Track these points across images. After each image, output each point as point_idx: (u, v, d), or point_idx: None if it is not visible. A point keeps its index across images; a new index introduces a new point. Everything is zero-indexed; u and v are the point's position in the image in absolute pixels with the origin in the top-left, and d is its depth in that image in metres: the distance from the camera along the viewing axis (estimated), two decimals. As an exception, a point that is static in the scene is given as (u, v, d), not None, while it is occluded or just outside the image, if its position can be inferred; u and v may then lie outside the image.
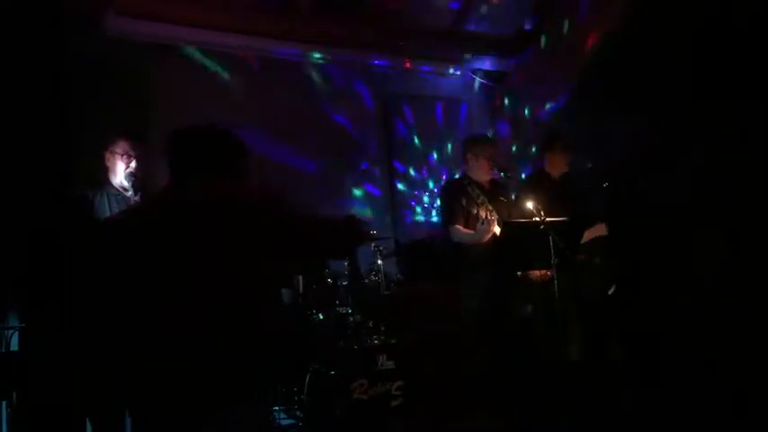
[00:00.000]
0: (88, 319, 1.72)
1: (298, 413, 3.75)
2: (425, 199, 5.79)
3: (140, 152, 3.23)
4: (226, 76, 4.84)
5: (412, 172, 5.77)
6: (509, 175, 4.10)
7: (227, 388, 1.61)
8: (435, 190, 5.72)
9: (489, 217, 3.67)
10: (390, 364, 3.71)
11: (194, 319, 1.59)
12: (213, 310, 1.61)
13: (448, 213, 3.99)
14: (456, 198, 3.84)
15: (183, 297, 1.61)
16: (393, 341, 3.87)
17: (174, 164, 1.84)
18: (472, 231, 3.80)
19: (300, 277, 4.13)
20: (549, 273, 3.71)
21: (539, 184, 4.19)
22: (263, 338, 1.71)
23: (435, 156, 5.89)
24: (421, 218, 5.76)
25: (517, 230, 3.70)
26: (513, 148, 5.94)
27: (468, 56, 5.76)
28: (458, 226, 3.88)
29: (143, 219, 1.81)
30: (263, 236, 1.74)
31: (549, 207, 3.62)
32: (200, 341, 1.59)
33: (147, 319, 1.60)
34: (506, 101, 6.10)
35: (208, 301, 1.61)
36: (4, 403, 3.07)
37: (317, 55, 5.22)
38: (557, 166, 4.29)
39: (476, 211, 3.67)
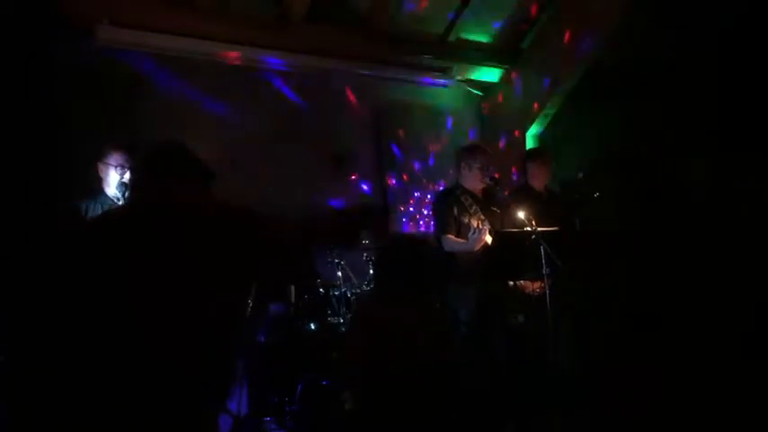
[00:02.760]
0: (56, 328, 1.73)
1: (289, 423, 3.74)
2: (417, 208, 5.82)
3: (133, 163, 3.24)
4: (218, 85, 4.84)
5: (404, 181, 5.79)
6: (497, 185, 4.13)
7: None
8: (427, 200, 5.74)
9: (481, 226, 3.69)
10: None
11: (160, 332, 1.61)
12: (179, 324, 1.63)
13: (440, 223, 4.02)
14: (448, 208, 3.86)
15: (148, 306, 1.63)
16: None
17: (136, 173, 1.86)
18: (464, 241, 3.82)
19: (293, 288, 4.14)
20: (541, 285, 3.74)
21: (523, 198, 4.22)
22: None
23: (428, 166, 5.92)
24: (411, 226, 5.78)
25: (509, 240, 3.73)
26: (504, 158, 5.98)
27: (458, 66, 5.79)
28: (449, 235, 3.90)
29: (107, 227, 1.84)
30: (227, 242, 1.77)
31: (535, 220, 3.66)
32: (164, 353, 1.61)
33: (112, 329, 1.61)
34: (497, 110, 6.14)
35: (174, 313, 1.63)
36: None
37: (310, 64, 5.24)
38: (539, 179, 4.35)
39: (467, 221, 3.68)
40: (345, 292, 4.18)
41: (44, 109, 3.80)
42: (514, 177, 5.73)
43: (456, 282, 3.90)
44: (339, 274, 4.25)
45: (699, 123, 4.25)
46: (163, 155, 1.96)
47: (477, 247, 3.73)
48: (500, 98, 6.10)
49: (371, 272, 4.25)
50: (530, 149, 4.55)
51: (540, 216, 3.74)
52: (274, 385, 3.88)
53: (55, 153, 3.80)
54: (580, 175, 4.39)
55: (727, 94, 4.07)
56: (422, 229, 5.73)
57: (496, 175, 4.18)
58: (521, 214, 3.75)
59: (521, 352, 3.96)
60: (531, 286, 3.92)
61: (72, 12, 4.14)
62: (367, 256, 4.33)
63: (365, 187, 5.55)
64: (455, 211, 3.75)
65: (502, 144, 6.01)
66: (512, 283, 3.91)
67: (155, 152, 1.98)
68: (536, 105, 5.68)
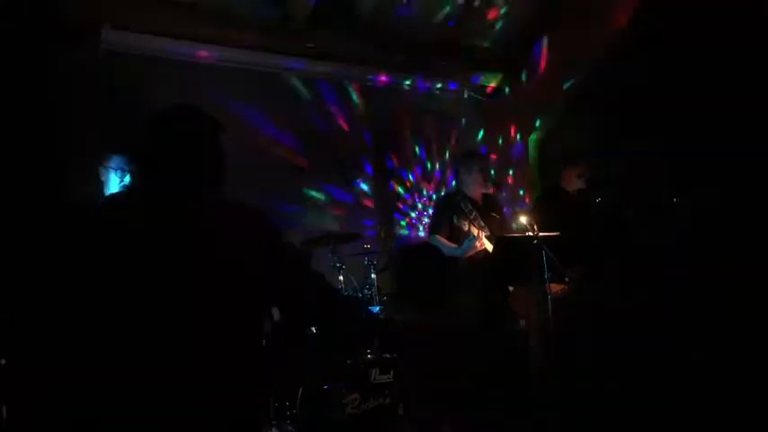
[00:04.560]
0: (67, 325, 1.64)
1: (290, 428, 3.73)
2: (418, 213, 5.81)
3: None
4: (220, 88, 4.84)
5: (406, 186, 5.79)
6: (501, 187, 4.13)
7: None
8: (430, 205, 5.74)
9: (478, 233, 3.68)
10: (383, 379, 3.71)
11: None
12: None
13: (432, 223, 4.04)
14: (446, 211, 3.87)
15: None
16: (386, 356, 3.86)
17: (140, 160, 1.72)
18: (454, 245, 3.81)
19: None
20: (562, 288, 3.74)
21: (555, 199, 4.21)
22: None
23: (431, 170, 5.91)
24: (408, 232, 5.77)
25: (510, 245, 3.72)
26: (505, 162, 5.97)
27: (462, 70, 5.79)
28: (437, 235, 3.89)
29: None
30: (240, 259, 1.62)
31: (564, 222, 3.64)
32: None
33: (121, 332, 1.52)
34: (500, 115, 6.13)
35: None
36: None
37: (313, 68, 5.24)
38: (573, 183, 4.32)
39: (467, 228, 3.68)
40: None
41: (46, 112, 3.81)
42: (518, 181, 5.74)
43: (457, 286, 3.90)
44: (341, 278, 4.25)
45: (703, 124, 4.24)
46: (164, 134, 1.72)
47: (470, 253, 3.73)
48: (504, 102, 6.09)
49: (372, 276, 4.25)
50: (567, 156, 4.53)
51: (567, 219, 3.73)
52: (275, 389, 3.87)
53: (56, 156, 3.81)
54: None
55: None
56: (417, 234, 5.72)
57: (503, 184, 4.18)
58: (523, 219, 3.74)
59: (521, 356, 3.96)
60: (558, 288, 3.91)
61: (75, 16, 4.15)
62: (368, 261, 4.33)
63: (366, 190, 5.55)
64: (455, 217, 3.76)
65: (505, 148, 6.00)
66: (511, 287, 3.90)
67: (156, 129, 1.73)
68: (539, 110, 5.67)
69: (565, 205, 4.07)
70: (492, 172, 4.43)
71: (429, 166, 5.94)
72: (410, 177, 5.82)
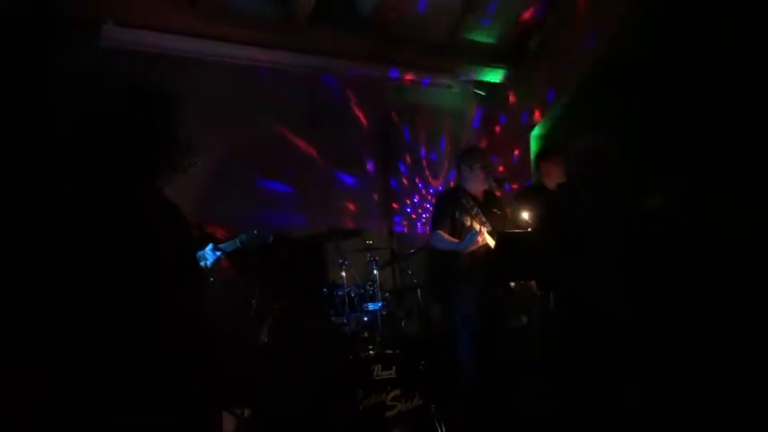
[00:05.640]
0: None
1: (292, 424, 3.74)
2: (421, 209, 5.81)
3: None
4: (223, 86, 4.83)
5: (408, 182, 5.79)
6: (503, 183, 4.12)
7: None
8: (431, 201, 5.74)
9: (480, 229, 3.68)
10: (385, 375, 3.72)
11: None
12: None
13: (434, 219, 4.03)
14: (448, 207, 3.86)
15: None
16: (389, 351, 3.87)
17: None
18: (456, 240, 3.81)
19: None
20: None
21: (535, 195, 4.21)
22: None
23: (432, 167, 5.91)
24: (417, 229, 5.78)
25: (512, 241, 3.72)
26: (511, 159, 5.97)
27: (464, 67, 5.78)
28: (440, 231, 3.90)
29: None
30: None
31: (544, 218, 3.65)
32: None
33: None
34: (502, 112, 6.12)
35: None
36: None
37: (315, 65, 5.24)
38: (553, 177, 4.32)
39: (469, 223, 3.68)
40: (349, 291, 4.18)
41: (46, 111, 3.81)
42: (521, 178, 5.73)
43: (459, 282, 3.90)
44: (343, 274, 4.25)
45: (702, 126, 4.23)
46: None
47: (472, 248, 3.73)
48: (505, 99, 6.08)
49: (374, 272, 4.25)
50: (543, 148, 4.55)
51: (552, 215, 3.73)
52: (278, 385, 3.89)
53: (57, 156, 3.80)
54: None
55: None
56: (419, 230, 5.71)
57: (501, 169, 4.17)
58: (524, 215, 3.74)
59: (524, 352, 3.96)
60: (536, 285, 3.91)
61: (76, 12, 4.14)
62: (371, 257, 4.33)
63: (368, 188, 5.55)
64: (456, 212, 3.75)
65: (507, 145, 5.99)
66: (513, 283, 3.90)
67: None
68: (541, 106, 5.67)
69: (543, 201, 4.06)
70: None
71: (430, 162, 5.94)
72: (411, 173, 5.82)
